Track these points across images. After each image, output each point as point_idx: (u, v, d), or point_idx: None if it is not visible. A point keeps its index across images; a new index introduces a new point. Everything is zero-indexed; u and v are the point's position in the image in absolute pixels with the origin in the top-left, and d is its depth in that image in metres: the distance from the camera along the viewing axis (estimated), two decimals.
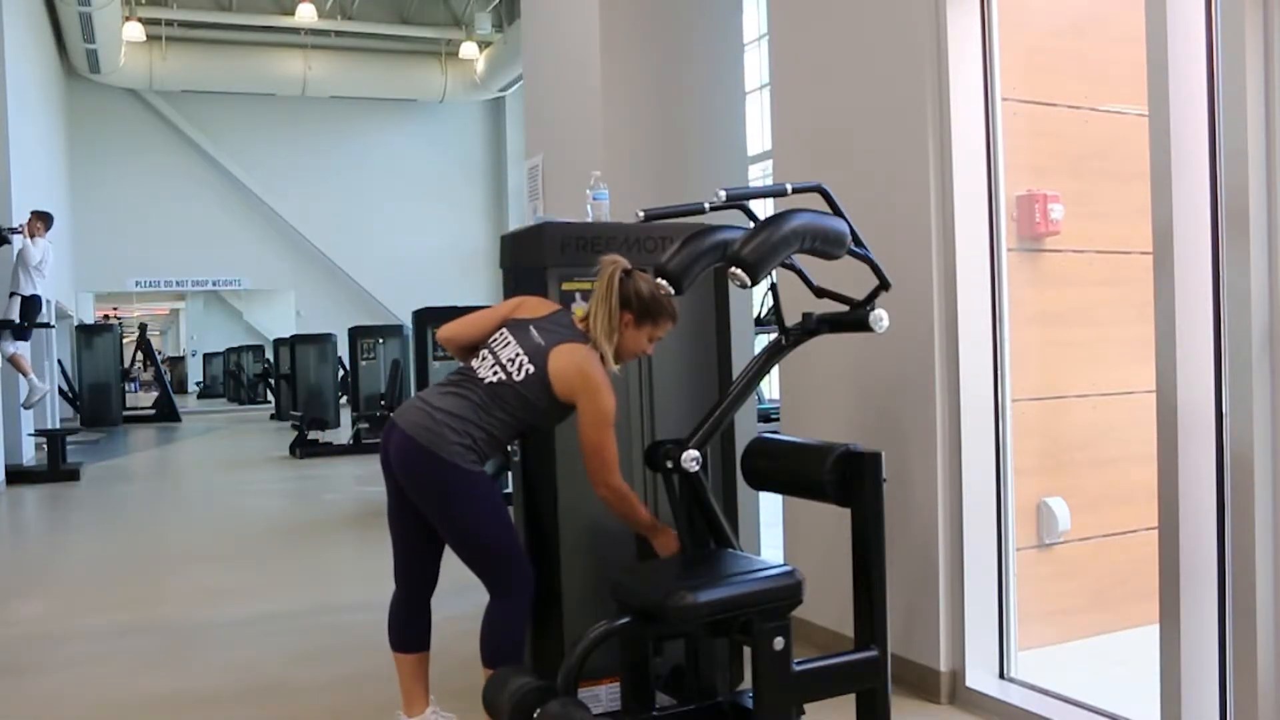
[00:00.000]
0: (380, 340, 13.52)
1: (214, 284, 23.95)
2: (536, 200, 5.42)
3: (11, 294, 9.70)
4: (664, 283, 2.70)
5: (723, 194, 2.72)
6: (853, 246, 2.70)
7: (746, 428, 4.03)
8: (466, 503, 2.72)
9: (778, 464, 2.93)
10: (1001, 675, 3.28)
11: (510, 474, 3.33)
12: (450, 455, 2.67)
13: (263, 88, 21.43)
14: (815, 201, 2.76)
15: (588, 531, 3.06)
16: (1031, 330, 3.54)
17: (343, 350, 14.63)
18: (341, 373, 15.20)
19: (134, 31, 18.79)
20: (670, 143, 4.78)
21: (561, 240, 3.11)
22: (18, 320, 9.69)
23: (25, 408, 10.22)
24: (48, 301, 10.09)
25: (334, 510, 8.22)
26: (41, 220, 9.94)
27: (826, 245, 2.63)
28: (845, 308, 2.87)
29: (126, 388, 20.52)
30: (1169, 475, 2.56)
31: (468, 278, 22.26)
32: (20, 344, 10.03)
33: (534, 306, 2.89)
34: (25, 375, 10.30)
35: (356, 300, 22.43)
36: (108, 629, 4.61)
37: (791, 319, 2.91)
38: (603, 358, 2.75)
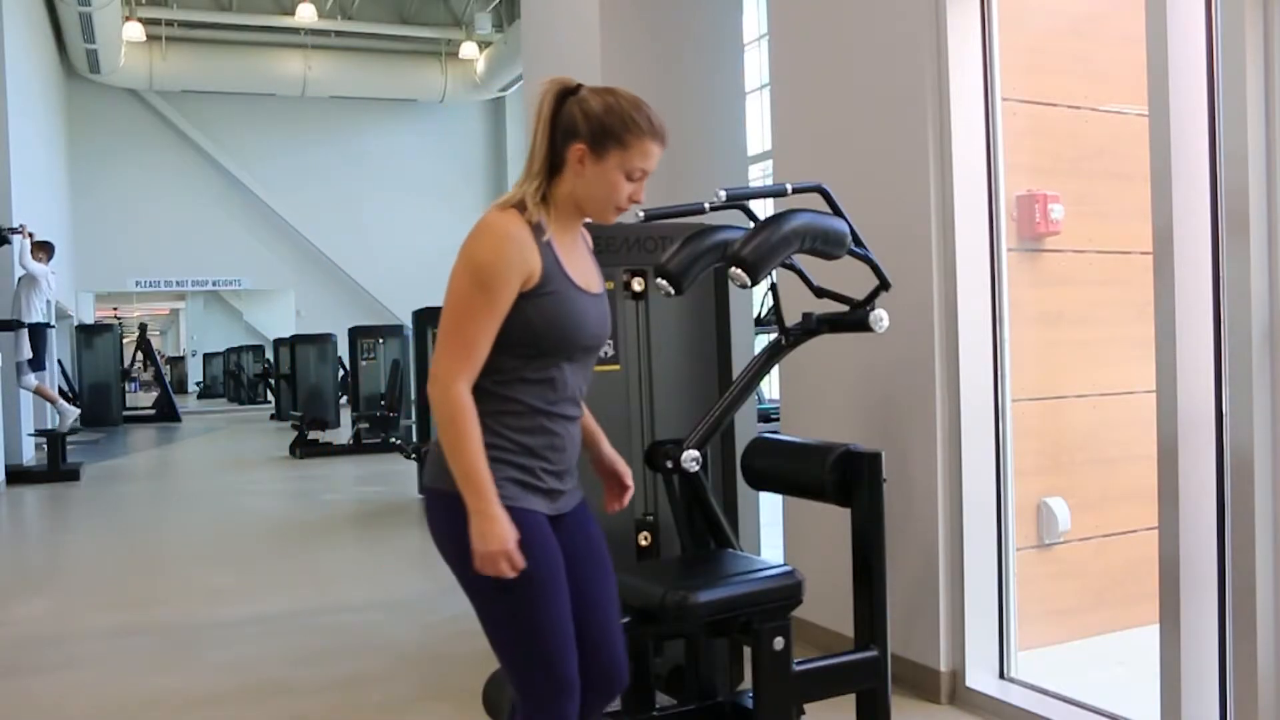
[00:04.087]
0: (380, 340, 13.51)
1: (214, 284, 23.98)
2: None
3: (19, 325, 9.78)
4: (664, 283, 2.70)
5: (723, 194, 2.71)
6: (853, 246, 2.70)
7: (746, 428, 4.03)
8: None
9: (778, 464, 2.93)
10: (1001, 675, 3.28)
11: None
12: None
13: (263, 88, 21.45)
14: (815, 201, 2.75)
15: None
16: (1031, 330, 3.54)
17: (343, 350, 14.62)
18: (342, 373, 15.19)
19: (134, 31, 18.81)
20: (670, 143, 4.76)
21: None
22: (30, 354, 9.89)
23: (67, 434, 10.32)
24: (48, 301, 10.12)
25: (334, 510, 8.21)
26: (43, 249, 10.03)
27: (826, 245, 2.63)
28: (845, 308, 2.87)
29: (126, 388, 20.52)
30: (1169, 475, 2.56)
31: None
32: (40, 373, 10.23)
33: None
34: (54, 404, 10.57)
35: (356, 300, 22.42)
36: (108, 629, 4.61)
37: (791, 319, 2.91)
38: (523, 209, 1.92)
